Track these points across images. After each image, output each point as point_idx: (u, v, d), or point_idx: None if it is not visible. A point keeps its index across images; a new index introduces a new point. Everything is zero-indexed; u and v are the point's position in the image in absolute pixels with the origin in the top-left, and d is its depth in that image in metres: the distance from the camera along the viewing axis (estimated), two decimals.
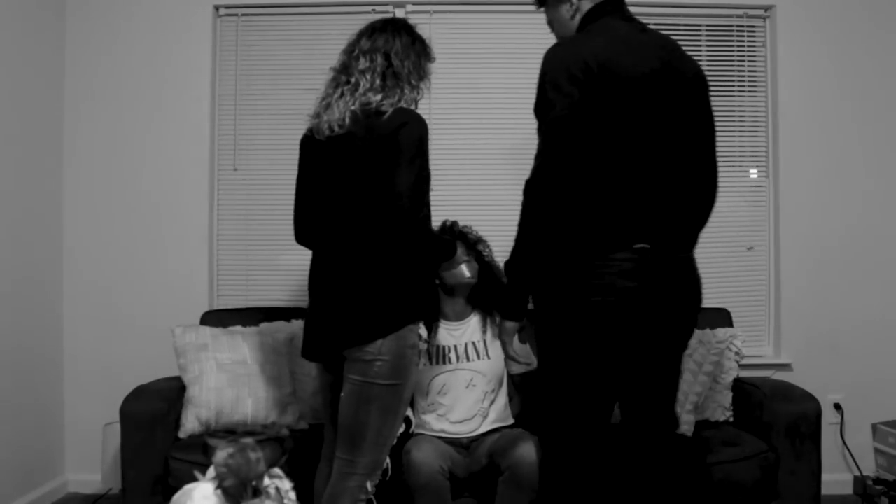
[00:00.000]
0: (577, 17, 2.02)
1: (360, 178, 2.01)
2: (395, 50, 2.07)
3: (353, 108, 2.03)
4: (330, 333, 2.06)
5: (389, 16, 2.16)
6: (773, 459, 2.65)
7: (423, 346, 2.08)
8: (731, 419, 2.97)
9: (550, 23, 2.13)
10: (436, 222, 3.16)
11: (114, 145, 3.38)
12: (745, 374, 3.09)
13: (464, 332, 2.70)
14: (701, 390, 2.82)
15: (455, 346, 2.68)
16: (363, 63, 2.06)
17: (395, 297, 2.00)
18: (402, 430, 2.10)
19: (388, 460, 2.08)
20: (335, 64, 2.15)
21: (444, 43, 3.39)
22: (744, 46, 3.48)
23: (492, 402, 2.65)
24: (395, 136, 1.96)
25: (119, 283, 3.36)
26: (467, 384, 2.63)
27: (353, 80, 2.07)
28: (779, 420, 2.68)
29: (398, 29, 2.12)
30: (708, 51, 3.47)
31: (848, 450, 3.35)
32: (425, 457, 2.33)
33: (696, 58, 3.34)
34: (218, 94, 3.45)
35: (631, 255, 1.84)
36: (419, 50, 2.13)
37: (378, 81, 2.04)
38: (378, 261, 2.00)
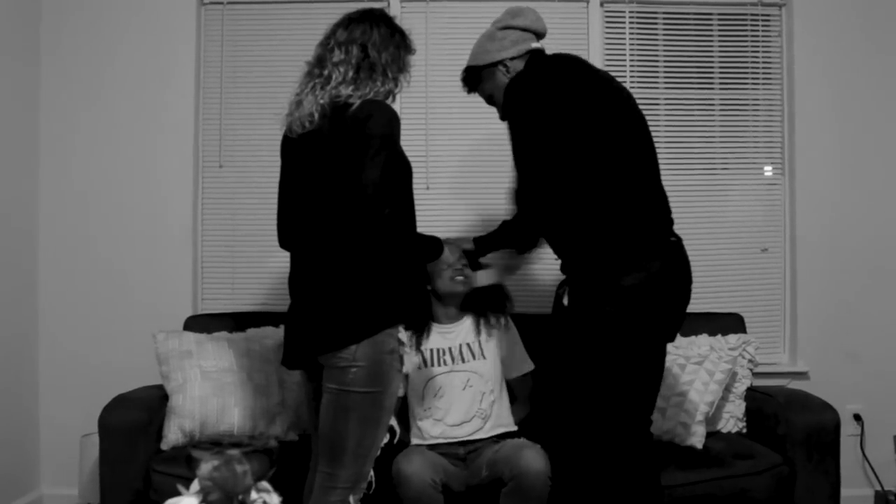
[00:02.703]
0: (514, 73, 2.31)
1: (330, 176, 2.02)
2: (373, 41, 2.07)
3: (322, 101, 2.04)
4: (304, 339, 2.08)
5: (367, 6, 2.19)
6: (789, 473, 2.66)
7: (406, 352, 2.08)
8: (745, 430, 2.98)
9: (490, 95, 2.41)
10: (434, 216, 3.21)
11: (93, 142, 3.39)
12: (758, 382, 3.11)
13: (458, 334, 2.75)
14: (712, 400, 2.83)
15: (450, 349, 2.72)
16: (338, 55, 2.07)
17: (368, 300, 2.00)
18: (386, 440, 2.11)
19: (371, 473, 2.08)
20: (310, 57, 2.16)
21: (440, 33, 3.42)
22: (758, 37, 3.49)
23: (492, 403, 2.67)
24: (361, 129, 1.96)
25: (98, 287, 3.37)
26: (464, 385, 2.66)
27: (326, 72, 2.07)
28: (795, 431, 2.69)
29: (376, 20, 2.12)
30: (720, 42, 3.48)
31: (868, 463, 3.36)
32: (416, 469, 2.34)
33: (707, 49, 3.44)
34: (202, 88, 3.46)
35: (666, 248, 2.16)
36: (398, 42, 2.13)
37: (351, 74, 2.05)
38: (350, 262, 2.00)
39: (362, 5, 2.20)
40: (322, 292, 2.04)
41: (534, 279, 3.32)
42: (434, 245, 2.27)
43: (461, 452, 2.59)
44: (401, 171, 2.08)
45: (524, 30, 2.34)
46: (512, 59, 2.31)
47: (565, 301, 2.24)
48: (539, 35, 2.36)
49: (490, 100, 2.43)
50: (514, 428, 2.69)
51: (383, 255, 2.01)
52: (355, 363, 1.97)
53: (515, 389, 2.80)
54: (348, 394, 1.99)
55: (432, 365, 2.70)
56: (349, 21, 2.13)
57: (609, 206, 2.13)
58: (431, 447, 2.60)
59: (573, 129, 2.10)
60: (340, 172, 1.98)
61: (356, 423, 2.00)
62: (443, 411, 2.65)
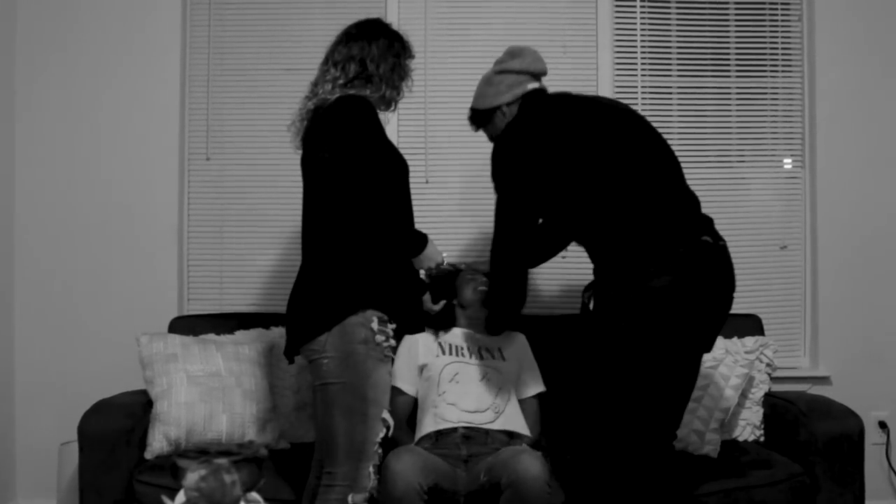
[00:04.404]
0: (510, 117, 2.48)
1: (308, 173, 2.26)
2: (371, 56, 2.27)
3: (309, 107, 2.24)
4: (287, 332, 2.28)
5: (364, 15, 2.43)
6: (810, 484, 2.65)
7: (384, 342, 2.17)
8: (762, 439, 2.98)
9: (492, 136, 2.56)
10: (434, 210, 3.22)
11: (72, 133, 3.38)
12: (777, 388, 3.11)
13: (478, 340, 2.85)
14: (728, 406, 2.83)
15: (468, 347, 2.82)
16: (333, 73, 2.26)
17: (330, 288, 2.17)
18: (382, 435, 2.19)
19: (372, 473, 2.17)
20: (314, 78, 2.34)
21: (439, 20, 3.43)
22: (777, 21, 3.49)
23: (507, 401, 2.73)
24: (325, 117, 2.17)
25: (78, 286, 3.37)
26: (481, 377, 2.73)
27: (318, 89, 2.27)
28: (816, 440, 2.69)
29: (374, 34, 2.31)
30: (737, 27, 3.48)
31: (895, 473, 3.36)
32: (403, 468, 2.32)
33: (723, 35, 3.43)
34: (188, 75, 3.46)
35: (694, 252, 2.17)
36: (398, 50, 2.33)
37: (341, 82, 2.24)
38: (317, 251, 2.21)
39: None
40: (296, 284, 2.26)
41: (564, 279, 3.35)
42: (418, 239, 2.34)
43: (464, 453, 2.59)
44: (390, 164, 2.25)
45: (520, 72, 2.47)
46: (508, 104, 2.46)
47: (591, 306, 2.29)
48: (537, 75, 2.49)
49: (491, 139, 2.57)
50: (527, 433, 2.72)
51: (350, 240, 2.16)
52: (326, 354, 2.13)
53: (524, 411, 2.82)
54: (326, 387, 2.15)
55: (449, 354, 2.79)
56: (347, 38, 2.31)
57: (618, 224, 2.19)
58: (440, 435, 2.63)
59: (563, 167, 2.24)
60: (310, 163, 2.23)
61: (341, 417, 2.13)
62: (457, 396, 2.69)
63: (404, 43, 2.36)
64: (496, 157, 2.37)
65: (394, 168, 2.27)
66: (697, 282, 2.14)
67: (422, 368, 2.80)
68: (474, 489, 2.48)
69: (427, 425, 2.69)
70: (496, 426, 2.65)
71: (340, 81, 2.24)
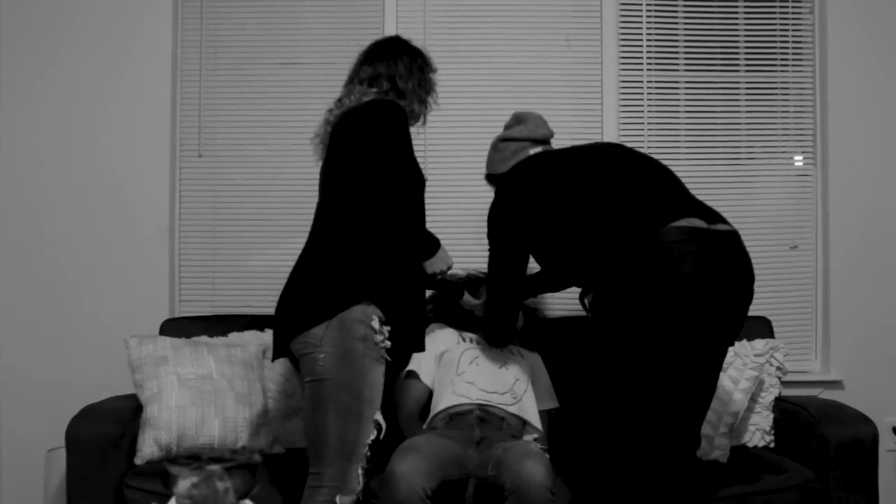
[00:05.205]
0: None
1: (330, 170, 2.33)
2: (399, 73, 2.41)
3: (337, 114, 2.32)
4: (277, 324, 2.31)
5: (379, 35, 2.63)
6: (821, 491, 2.65)
7: (381, 342, 2.20)
8: (772, 444, 2.97)
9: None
10: (433, 209, 3.20)
11: (59, 128, 3.37)
12: (788, 392, 3.10)
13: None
14: (737, 410, 2.83)
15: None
16: (361, 88, 2.36)
17: (334, 275, 2.21)
18: (373, 437, 2.20)
19: (360, 476, 2.18)
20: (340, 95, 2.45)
21: (439, 12, 3.43)
22: (788, 13, 3.49)
23: (524, 392, 2.78)
24: (364, 119, 2.26)
25: (65, 287, 3.36)
26: (501, 365, 2.82)
27: (344, 101, 2.36)
28: (828, 446, 2.69)
29: (397, 52, 2.45)
30: (746, 19, 3.48)
31: None
32: (406, 471, 2.30)
33: (732, 28, 3.43)
34: (180, 70, 3.45)
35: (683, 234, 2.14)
36: (421, 65, 2.48)
37: (374, 91, 2.34)
38: (324, 242, 2.27)
39: None
40: (292, 276, 2.31)
41: None
42: (430, 242, 2.40)
43: (477, 435, 2.60)
44: (412, 174, 2.33)
45: (522, 140, 2.64)
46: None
47: (588, 310, 2.34)
48: (539, 141, 2.66)
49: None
50: (539, 427, 2.76)
51: (362, 235, 2.23)
52: (322, 348, 2.14)
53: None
54: (321, 383, 2.15)
55: (470, 343, 2.90)
56: (371, 58, 2.45)
57: (600, 237, 2.25)
58: (455, 415, 2.66)
59: (540, 218, 2.41)
60: (336, 161, 2.30)
61: (335, 416, 2.14)
62: (476, 376, 2.75)
63: (426, 58, 2.51)
64: (489, 219, 2.56)
65: (414, 179, 2.35)
66: (687, 270, 2.11)
67: (441, 356, 2.86)
68: (483, 476, 2.47)
69: (443, 402, 2.72)
70: (513, 410, 2.71)
71: (374, 90, 2.36)
